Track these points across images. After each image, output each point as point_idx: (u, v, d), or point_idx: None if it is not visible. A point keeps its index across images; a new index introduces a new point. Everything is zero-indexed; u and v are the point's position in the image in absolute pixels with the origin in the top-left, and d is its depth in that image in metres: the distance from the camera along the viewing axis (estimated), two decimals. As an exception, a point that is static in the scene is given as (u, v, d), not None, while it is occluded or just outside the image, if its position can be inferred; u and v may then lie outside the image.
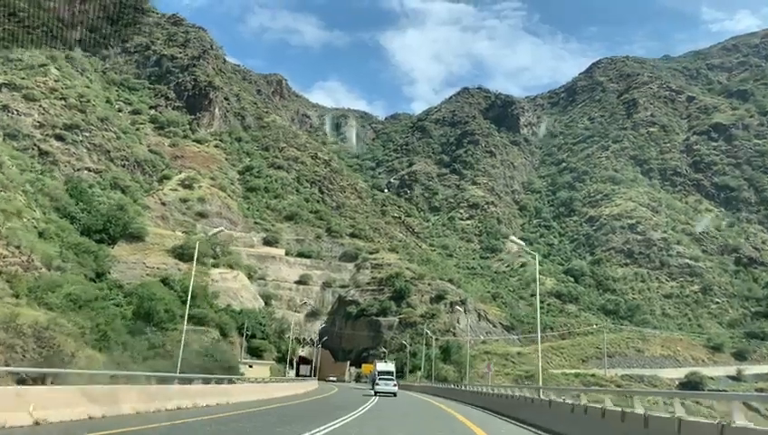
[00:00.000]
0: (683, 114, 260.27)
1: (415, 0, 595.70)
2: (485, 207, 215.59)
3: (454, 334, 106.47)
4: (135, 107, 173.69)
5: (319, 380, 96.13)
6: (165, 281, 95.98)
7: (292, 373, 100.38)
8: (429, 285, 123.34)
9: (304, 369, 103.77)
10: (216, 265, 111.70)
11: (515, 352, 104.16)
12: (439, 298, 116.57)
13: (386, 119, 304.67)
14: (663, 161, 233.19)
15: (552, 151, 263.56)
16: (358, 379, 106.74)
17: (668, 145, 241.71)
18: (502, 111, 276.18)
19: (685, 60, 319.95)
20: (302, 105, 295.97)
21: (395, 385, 55.76)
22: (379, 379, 57.42)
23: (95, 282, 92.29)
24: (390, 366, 65.47)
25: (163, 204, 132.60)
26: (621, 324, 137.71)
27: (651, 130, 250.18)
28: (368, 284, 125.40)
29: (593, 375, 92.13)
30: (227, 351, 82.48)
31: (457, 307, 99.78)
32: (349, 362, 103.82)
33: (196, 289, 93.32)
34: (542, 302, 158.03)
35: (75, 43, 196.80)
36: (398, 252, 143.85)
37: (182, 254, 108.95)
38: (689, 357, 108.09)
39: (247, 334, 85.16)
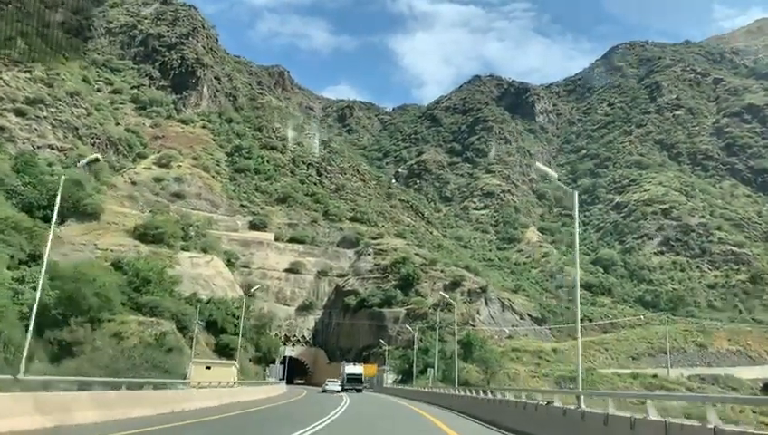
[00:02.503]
0: (710, 97, 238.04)
1: (423, 3, 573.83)
2: (501, 195, 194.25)
3: (473, 327, 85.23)
4: (116, 87, 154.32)
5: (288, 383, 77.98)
6: (116, 264, 76.12)
7: (272, 377, 79.57)
8: (443, 271, 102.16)
9: (276, 371, 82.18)
10: (186, 249, 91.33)
11: (549, 348, 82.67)
12: (455, 285, 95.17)
13: (393, 110, 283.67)
14: (692, 145, 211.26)
15: (570, 139, 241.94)
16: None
17: (697, 128, 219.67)
18: (515, 99, 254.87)
19: (706, 45, 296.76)
20: (305, 97, 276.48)
21: (339, 385, 64.19)
22: (328, 381, 64.83)
23: (27, 264, 72.69)
24: (359, 369, 69.12)
25: (133, 183, 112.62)
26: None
27: (677, 113, 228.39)
28: (370, 271, 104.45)
29: (655, 376, 70.45)
30: (175, 347, 61.96)
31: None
32: (344, 363, 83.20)
33: (151, 274, 73.36)
34: (552, 303, 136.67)
35: (58, 25, 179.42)
36: (405, 237, 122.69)
37: (144, 235, 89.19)
38: (764, 353, 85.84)
39: (201, 325, 64.31)
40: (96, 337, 59.77)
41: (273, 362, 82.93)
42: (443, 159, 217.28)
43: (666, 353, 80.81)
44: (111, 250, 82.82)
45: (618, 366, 79.70)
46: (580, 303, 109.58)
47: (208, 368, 59.43)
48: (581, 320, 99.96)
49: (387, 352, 78.29)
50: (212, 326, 74.40)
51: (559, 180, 28.75)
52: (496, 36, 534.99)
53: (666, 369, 75.78)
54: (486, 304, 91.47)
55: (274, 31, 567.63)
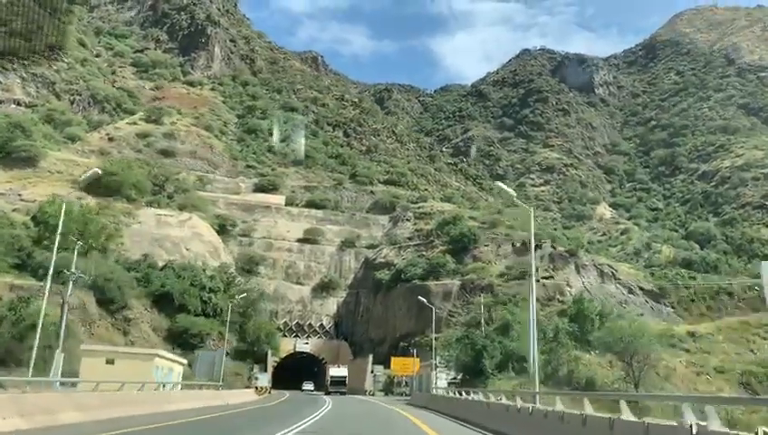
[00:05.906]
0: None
1: (463, 2, 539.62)
2: (564, 170, 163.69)
3: (561, 303, 56.05)
4: (117, 50, 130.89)
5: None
6: (36, 217, 50.21)
7: (263, 378, 51.68)
8: (507, 235, 72.86)
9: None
10: (154, 204, 64.90)
11: (684, 331, 52.44)
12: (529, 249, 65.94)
13: (435, 91, 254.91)
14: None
15: (636, 111, 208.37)
16: (389, 389, 56.96)
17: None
18: (571, 71, 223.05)
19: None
20: (339, 81, 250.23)
21: (314, 387, 62.36)
22: (305, 382, 63.33)
23: None
24: (343, 371, 59.48)
25: (110, 139, 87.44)
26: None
27: (762, 75, 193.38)
28: (409, 238, 76.04)
29: None
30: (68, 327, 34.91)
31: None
32: (371, 358, 55.14)
33: (71, 226, 46.74)
34: (666, 273, 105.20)
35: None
36: (454, 202, 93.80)
37: (93, 184, 62.77)
38: None
39: (76, 276, 36.70)
40: None
41: (264, 361, 55.14)
42: (492, 135, 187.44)
43: None
44: (40, 201, 57.08)
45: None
46: (678, 279, 77.87)
47: (111, 362, 32.02)
48: (716, 295, 69.24)
49: (434, 342, 49.47)
50: (164, 302, 47.31)
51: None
52: (538, 32, 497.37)
53: None
54: (579, 271, 62.01)
55: (314, 37, 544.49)
